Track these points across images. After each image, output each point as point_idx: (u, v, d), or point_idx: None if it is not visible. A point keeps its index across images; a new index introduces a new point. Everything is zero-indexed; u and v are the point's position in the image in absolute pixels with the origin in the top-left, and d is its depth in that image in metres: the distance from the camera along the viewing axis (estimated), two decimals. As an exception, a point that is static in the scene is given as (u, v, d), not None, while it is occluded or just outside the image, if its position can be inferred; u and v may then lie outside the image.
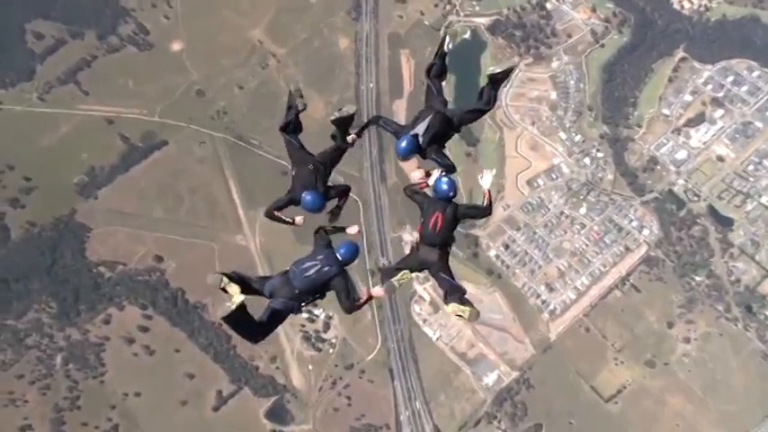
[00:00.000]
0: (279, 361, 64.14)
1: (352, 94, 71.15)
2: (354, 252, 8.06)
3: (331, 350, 64.42)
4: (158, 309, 64.41)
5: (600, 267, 66.61)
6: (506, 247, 67.43)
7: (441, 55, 8.99)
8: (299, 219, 8.83)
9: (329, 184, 8.89)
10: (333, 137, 9.13)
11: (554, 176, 69.12)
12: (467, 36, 72.55)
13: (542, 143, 70.00)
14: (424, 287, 65.48)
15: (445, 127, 8.51)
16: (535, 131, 70.29)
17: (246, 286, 7.83)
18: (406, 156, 8.40)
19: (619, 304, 66.02)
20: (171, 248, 65.76)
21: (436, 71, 9.02)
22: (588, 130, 70.37)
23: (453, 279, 8.22)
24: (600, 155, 69.60)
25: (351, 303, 8.00)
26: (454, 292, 8.08)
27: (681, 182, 68.22)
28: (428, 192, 8.68)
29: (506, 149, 69.83)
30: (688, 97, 69.74)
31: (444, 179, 8.38)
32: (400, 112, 70.54)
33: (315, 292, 7.94)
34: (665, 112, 69.89)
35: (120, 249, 65.60)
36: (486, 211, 8.53)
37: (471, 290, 66.20)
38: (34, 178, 65.37)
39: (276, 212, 8.82)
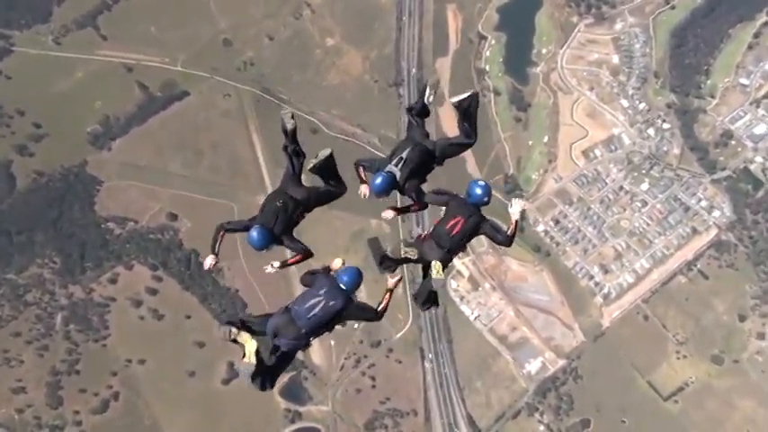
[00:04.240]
0: (298, 334, 62.56)
1: (391, 49, 69.69)
2: (358, 279, 7.66)
3: (356, 325, 62.35)
4: (169, 270, 63.31)
5: (662, 250, 63.87)
6: (556, 222, 64.99)
7: (422, 103, 8.74)
8: (209, 260, 8.19)
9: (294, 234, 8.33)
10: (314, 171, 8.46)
11: (613, 147, 66.67)
12: (521, -7, 71.25)
13: (601, 111, 67.61)
14: (463, 262, 63.53)
15: (425, 160, 8.35)
16: (593, 98, 67.99)
17: (249, 330, 7.57)
18: (380, 193, 8.09)
19: (683, 292, 63.26)
20: (187, 206, 64.70)
21: (418, 112, 8.76)
22: (654, 98, 67.93)
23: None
24: (666, 126, 67.09)
25: (376, 314, 7.91)
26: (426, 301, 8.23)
27: (759, 159, 65.49)
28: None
29: (561, 116, 67.68)
30: (770, 66, 67.04)
31: (480, 182, 8.24)
32: (444, 70, 68.90)
33: (323, 328, 7.58)
34: (743, 81, 67.16)
35: (132, 205, 64.82)
36: (506, 241, 8.22)
37: (516, 267, 64.63)
38: (45, 125, 65.00)
39: (222, 232, 8.30)
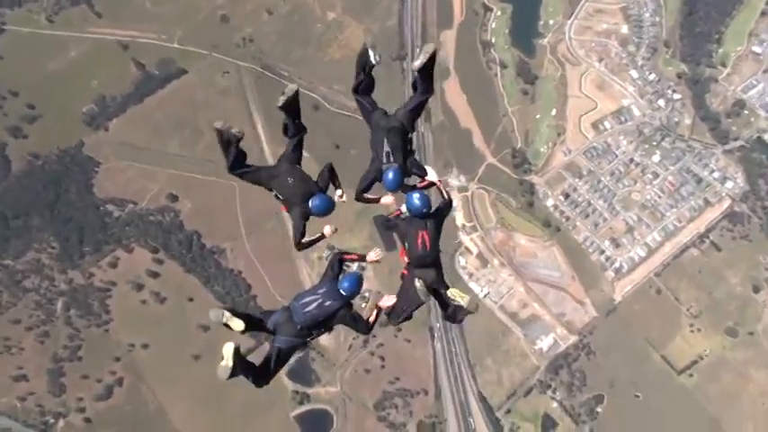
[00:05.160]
0: (304, 315, 61.78)
1: (395, 22, 68.40)
2: (357, 286, 8.07)
3: (364, 305, 61.59)
4: (171, 253, 62.53)
5: (674, 222, 63.12)
6: (566, 196, 64.10)
7: (367, 71, 8.61)
8: (327, 229, 8.73)
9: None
10: (284, 129, 8.81)
11: (623, 119, 65.66)
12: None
13: (610, 82, 66.52)
14: (471, 238, 62.72)
15: (403, 137, 8.58)
16: (602, 69, 66.87)
17: (249, 321, 7.81)
18: (398, 187, 8.45)
19: (696, 264, 62.63)
20: (187, 187, 63.72)
21: (365, 88, 8.74)
22: (664, 68, 66.83)
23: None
24: (677, 96, 66.11)
25: (366, 327, 8.15)
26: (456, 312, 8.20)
27: (772, 129, 64.60)
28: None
29: (569, 88, 66.61)
30: (784, 34, 66.00)
31: (416, 194, 8.37)
32: (449, 43, 67.59)
33: (318, 326, 7.97)
34: (756, 50, 66.20)
35: (131, 186, 63.80)
36: (449, 205, 8.67)
37: (525, 242, 63.80)
38: (39, 106, 63.90)
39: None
